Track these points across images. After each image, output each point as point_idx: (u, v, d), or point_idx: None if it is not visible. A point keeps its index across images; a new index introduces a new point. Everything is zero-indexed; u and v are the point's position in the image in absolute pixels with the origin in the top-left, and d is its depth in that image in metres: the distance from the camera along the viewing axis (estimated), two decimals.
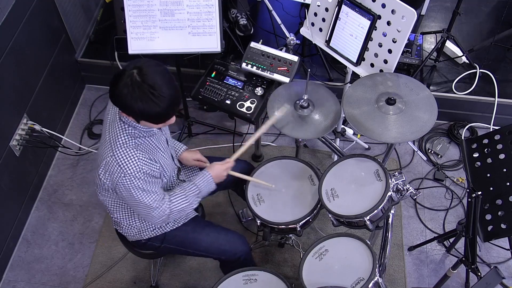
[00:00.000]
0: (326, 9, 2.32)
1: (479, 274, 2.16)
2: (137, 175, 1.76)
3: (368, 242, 1.98)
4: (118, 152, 1.75)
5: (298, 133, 2.21)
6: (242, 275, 2.04)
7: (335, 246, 2.02)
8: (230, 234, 2.19)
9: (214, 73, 2.58)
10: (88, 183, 3.03)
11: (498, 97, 3.04)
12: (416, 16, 2.01)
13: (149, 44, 2.43)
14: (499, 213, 1.99)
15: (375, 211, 1.92)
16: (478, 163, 2.15)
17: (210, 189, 2.04)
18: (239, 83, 2.54)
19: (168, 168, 1.95)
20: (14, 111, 2.71)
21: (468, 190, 2.01)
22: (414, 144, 3.12)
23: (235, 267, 2.07)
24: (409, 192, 1.97)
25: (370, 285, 1.85)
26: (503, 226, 1.97)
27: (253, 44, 2.52)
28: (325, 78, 3.14)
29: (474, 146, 2.19)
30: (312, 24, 2.43)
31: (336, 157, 2.98)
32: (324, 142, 2.63)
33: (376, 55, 2.21)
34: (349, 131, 3.00)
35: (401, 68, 3.11)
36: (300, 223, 2.08)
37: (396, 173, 1.99)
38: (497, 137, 2.13)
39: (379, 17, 2.12)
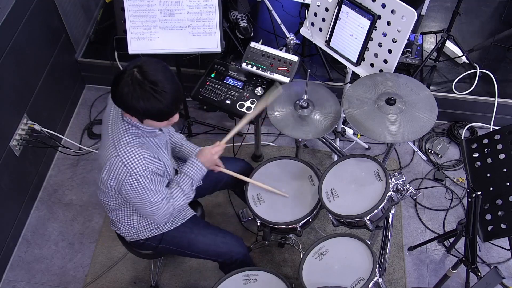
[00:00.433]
0: (326, 9, 2.32)
1: (479, 274, 2.16)
2: (143, 173, 1.75)
3: (368, 242, 1.98)
4: (122, 151, 1.74)
5: (298, 133, 2.21)
6: (242, 275, 2.04)
7: (335, 246, 2.02)
8: (228, 236, 2.18)
9: (214, 73, 2.58)
10: (88, 183, 3.03)
11: (498, 97, 3.04)
12: (416, 16, 2.01)
13: (149, 44, 2.43)
14: (499, 213, 1.99)
15: (375, 211, 1.92)
16: (478, 163, 2.15)
17: (202, 175, 2.02)
18: (239, 83, 2.54)
19: (170, 169, 1.95)
20: (14, 111, 2.71)
21: (468, 190, 2.01)
22: (414, 144, 3.11)
23: (233, 268, 2.07)
24: (409, 192, 1.97)
25: (370, 285, 1.85)
26: (503, 226, 1.97)
27: (253, 44, 2.52)
28: (325, 78, 3.14)
29: (474, 146, 2.19)
30: (312, 24, 2.43)
31: (336, 157, 2.98)
32: (324, 142, 2.63)
33: (376, 55, 2.21)
34: (349, 131, 3.00)
35: (401, 68, 3.11)
36: (300, 223, 2.08)
37: (396, 173, 1.99)
38: (497, 137, 2.12)
39: (379, 17, 2.12)
